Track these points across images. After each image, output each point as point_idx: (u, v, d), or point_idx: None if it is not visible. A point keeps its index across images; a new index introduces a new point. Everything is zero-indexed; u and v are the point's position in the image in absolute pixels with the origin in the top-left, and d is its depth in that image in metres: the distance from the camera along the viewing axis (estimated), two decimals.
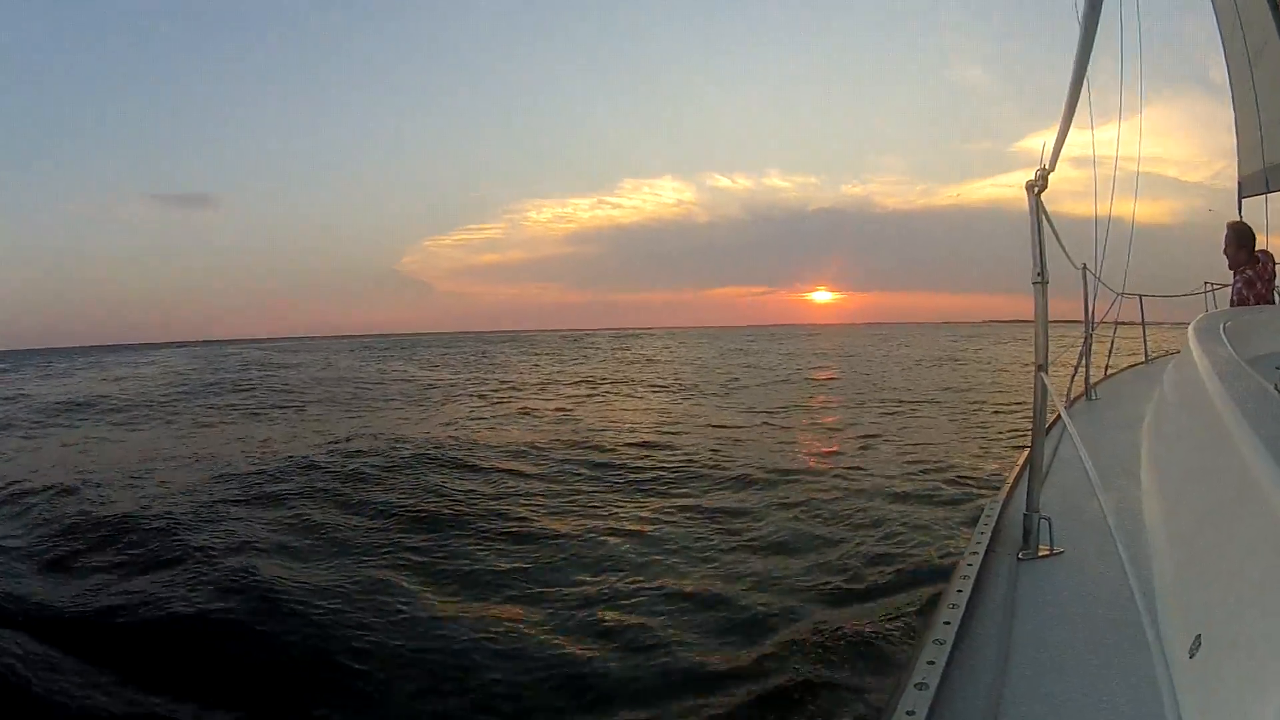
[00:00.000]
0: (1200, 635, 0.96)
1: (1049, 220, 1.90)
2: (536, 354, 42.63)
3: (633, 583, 4.16)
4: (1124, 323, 5.18)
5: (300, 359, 40.31)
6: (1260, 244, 5.31)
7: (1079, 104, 1.47)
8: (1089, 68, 1.34)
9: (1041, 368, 1.83)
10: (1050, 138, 1.74)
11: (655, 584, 4.11)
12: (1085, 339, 4.11)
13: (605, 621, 3.64)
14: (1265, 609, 0.80)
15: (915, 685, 1.14)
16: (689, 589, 4.00)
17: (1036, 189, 1.81)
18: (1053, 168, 1.78)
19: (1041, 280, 1.81)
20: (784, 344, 48.94)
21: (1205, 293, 5.58)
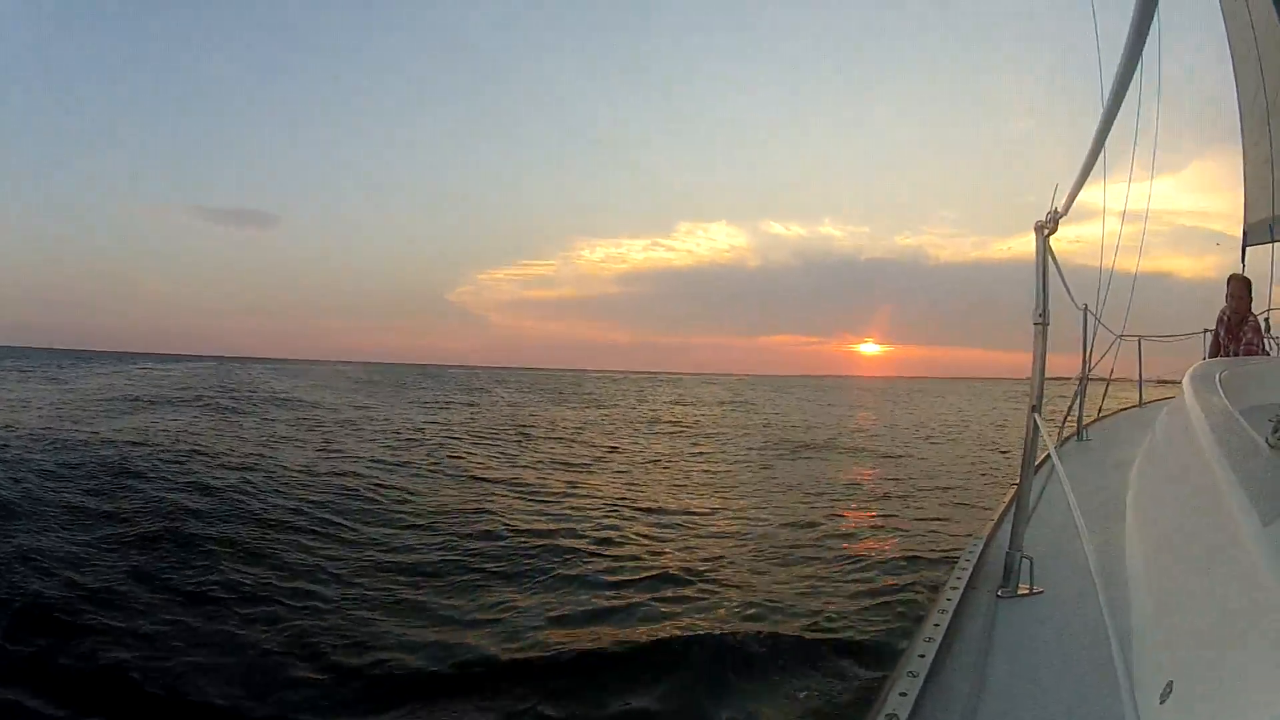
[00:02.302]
0: (1172, 682, 0.96)
1: (1055, 262, 1.90)
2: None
3: None
4: (1118, 380, 5.20)
5: (307, 387, 29.67)
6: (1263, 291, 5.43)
7: (1103, 157, 1.48)
8: (1112, 126, 1.35)
9: (1035, 408, 1.83)
10: (1071, 183, 1.74)
11: None
12: (1081, 380, 4.13)
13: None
14: (1236, 660, 0.80)
15: (886, 715, 1.15)
16: None
17: (1046, 231, 1.81)
18: (1065, 212, 1.79)
19: (1043, 321, 1.82)
20: (827, 402, 37.93)
21: (1202, 334, 5.62)
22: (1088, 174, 1.63)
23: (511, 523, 6.72)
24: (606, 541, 6.18)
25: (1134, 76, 1.21)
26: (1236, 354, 5.00)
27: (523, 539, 6.14)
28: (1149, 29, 1.10)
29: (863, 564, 5.47)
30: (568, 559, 5.59)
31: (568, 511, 7.42)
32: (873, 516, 7.55)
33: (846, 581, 5.06)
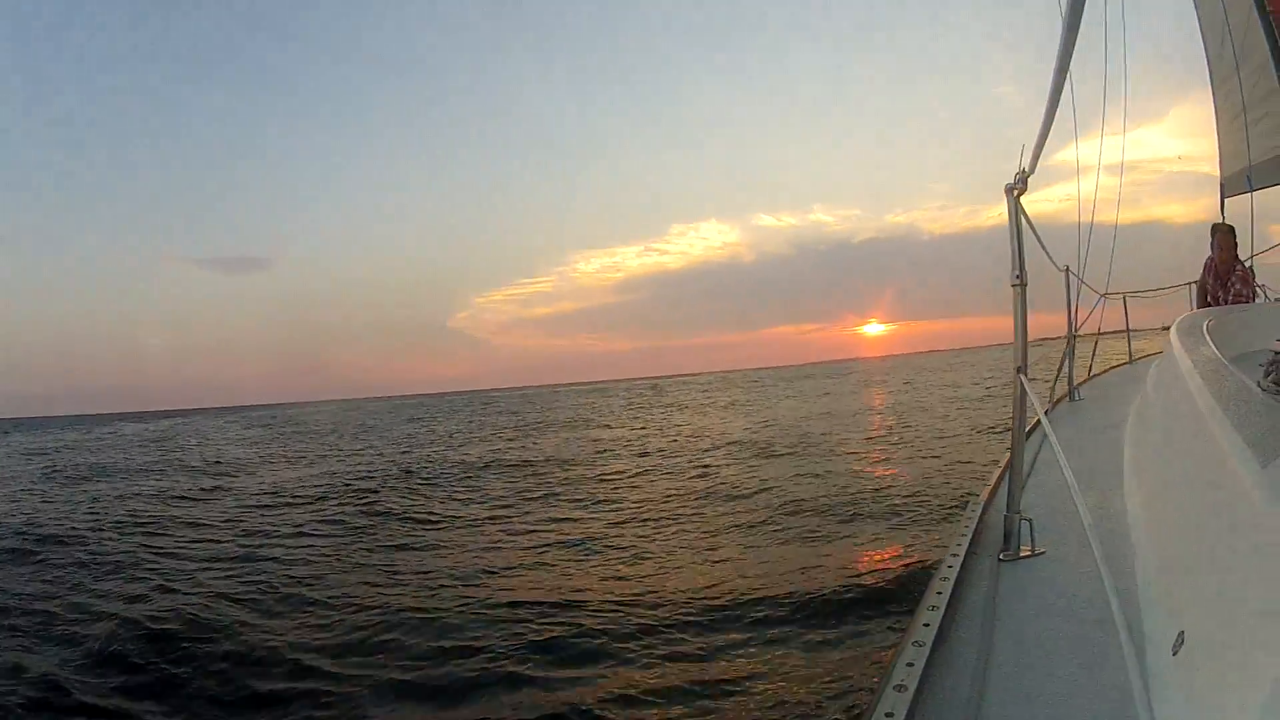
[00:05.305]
0: (1183, 632, 0.96)
1: (1029, 222, 1.90)
2: None
3: None
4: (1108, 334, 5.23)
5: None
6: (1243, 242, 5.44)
7: (1065, 109, 1.48)
8: (1069, 72, 1.34)
9: (1021, 370, 1.82)
10: (1037, 142, 1.74)
11: None
12: (1069, 340, 4.16)
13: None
14: (1246, 605, 0.80)
15: (894, 687, 1.13)
16: None
17: (1016, 192, 1.80)
18: (1032, 170, 1.79)
19: (1020, 283, 1.80)
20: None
21: (1188, 287, 5.65)
22: (1048, 131, 1.63)
23: None
24: None
25: (1079, 23, 1.19)
26: (1226, 303, 5.03)
27: None
28: None
29: None
30: None
31: None
32: None
33: None
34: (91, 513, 10.15)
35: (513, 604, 5.08)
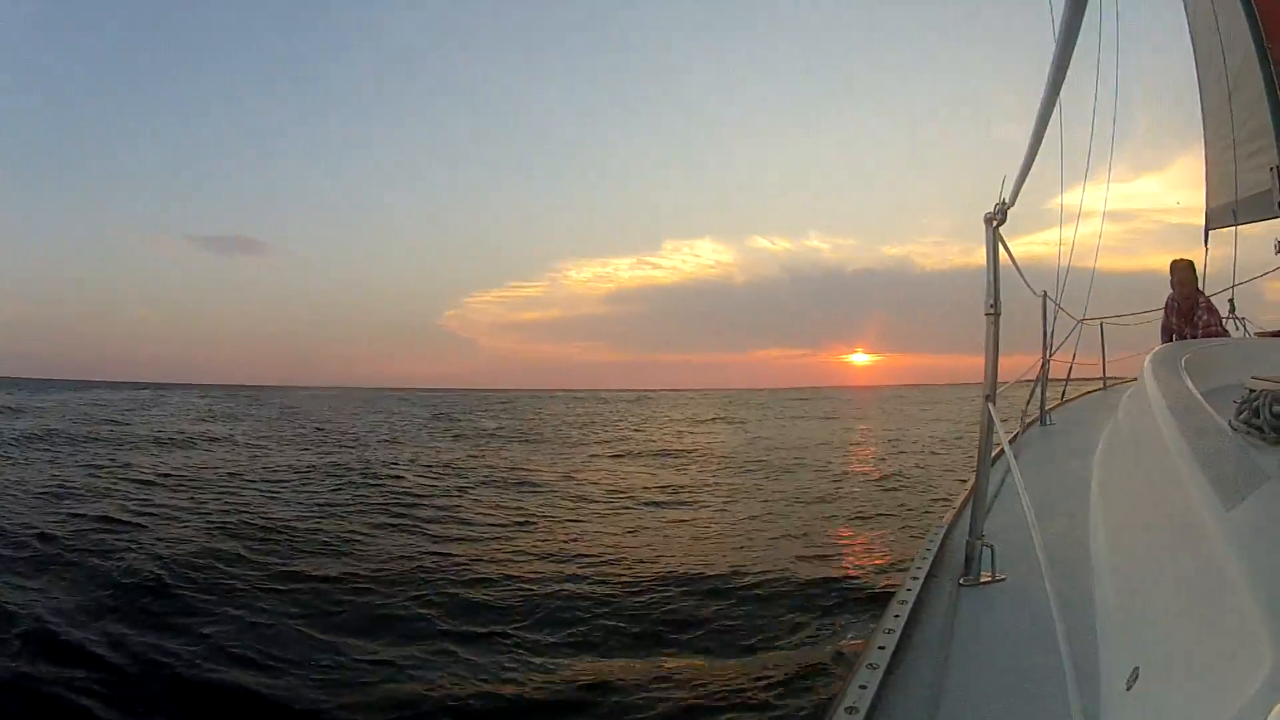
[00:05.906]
0: (1138, 668, 0.94)
1: (1009, 252, 1.90)
2: None
3: None
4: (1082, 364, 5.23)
5: None
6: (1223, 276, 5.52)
7: (1056, 147, 1.50)
8: (1057, 105, 1.34)
9: (989, 398, 1.82)
10: (1020, 175, 1.76)
11: None
12: (1042, 364, 4.18)
13: None
14: (1202, 644, 0.79)
15: (846, 709, 1.11)
16: None
17: (995, 222, 1.81)
18: (1013, 202, 1.80)
19: (994, 312, 1.80)
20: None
21: (1163, 312, 5.70)
22: (1030, 166, 1.64)
23: None
24: None
25: (1070, 59, 1.19)
26: (1194, 338, 5.04)
27: None
28: (1079, 21, 1.08)
29: None
30: None
31: None
32: None
33: None
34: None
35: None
